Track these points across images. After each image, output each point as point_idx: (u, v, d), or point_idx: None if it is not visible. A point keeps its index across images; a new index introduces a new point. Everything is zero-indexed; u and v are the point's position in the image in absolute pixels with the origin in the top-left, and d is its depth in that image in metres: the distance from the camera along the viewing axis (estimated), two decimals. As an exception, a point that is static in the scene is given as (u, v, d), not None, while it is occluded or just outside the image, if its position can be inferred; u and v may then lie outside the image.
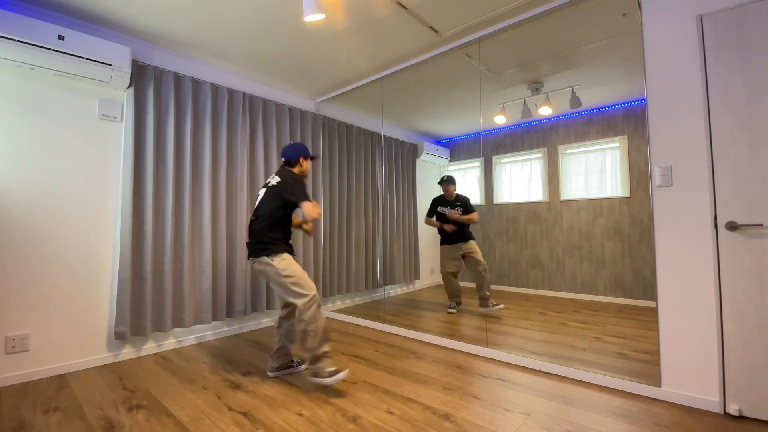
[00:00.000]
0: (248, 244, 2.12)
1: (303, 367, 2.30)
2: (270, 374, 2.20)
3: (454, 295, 3.13)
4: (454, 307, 3.13)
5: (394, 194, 3.54)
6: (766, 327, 1.60)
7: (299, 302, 1.98)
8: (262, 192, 2.17)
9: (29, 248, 2.20)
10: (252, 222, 2.13)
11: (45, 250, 2.26)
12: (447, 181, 3.11)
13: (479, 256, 2.95)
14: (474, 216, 2.95)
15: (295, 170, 2.23)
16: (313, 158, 2.31)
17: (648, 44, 1.95)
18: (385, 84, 3.36)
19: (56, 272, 2.29)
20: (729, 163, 1.70)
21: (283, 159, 2.26)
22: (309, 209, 1.95)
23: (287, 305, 2.21)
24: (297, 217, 2.39)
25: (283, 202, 2.09)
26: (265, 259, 2.03)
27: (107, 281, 2.48)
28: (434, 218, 3.17)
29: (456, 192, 3.07)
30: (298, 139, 3.58)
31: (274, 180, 2.14)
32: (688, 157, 1.82)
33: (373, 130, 3.74)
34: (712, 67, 1.75)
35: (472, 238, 2.98)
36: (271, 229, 2.08)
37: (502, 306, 2.83)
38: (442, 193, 3.13)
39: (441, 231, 3.12)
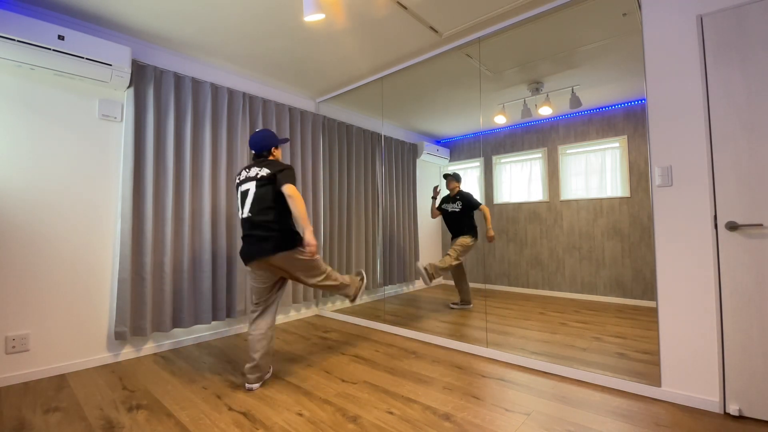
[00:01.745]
0: (258, 242, 1.98)
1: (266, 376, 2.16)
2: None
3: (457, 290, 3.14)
4: (456, 304, 3.13)
5: (394, 194, 3.54)
6: (766, 327, 1.60)
7: (324, 273, 2.22)
8: (251, 186, 2.02)
9: (29, 248, 2.20)
10: (251, 221, 2.00)
11: (45, 250, 2.26)
12: (448, 177, 3.14)
13: (455, 249, 3.02)
14: (486, 214, 2.96)
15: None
16: (284, 141, 2.24)
17: (648, 44, 1.95)
18: (385, 84, 3.35)
19: (56, 272, 2.29)
20: (729, 162, 1.70)
21: (253, 152, 2.15)
22: (290, 188, 1.95)
23: (263, 305, 2.13)
24: None
25: (279, 191, 2.02)
26: (299, 249, 2.05)
27: (107, 281, 2.48)
28: (437, 209, 3.24)
29: (460, 189, 3.08)
30: (298, 139, 3.57)
31: (263, 171, 2.02)
32: (688, 157, 1.82)
33: (373, 130, 3.74)
34: (712, 67, 1.75)
35: (467, 234, 3.00)
36: (287, 221, 2.04)
37: (455, 307, 3.04)
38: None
39: (449, 229, 3.19)
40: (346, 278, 2.38)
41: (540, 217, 2.62)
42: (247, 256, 2.03)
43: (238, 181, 2.14)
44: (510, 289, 2.76)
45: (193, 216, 2.82)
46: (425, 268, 3.09)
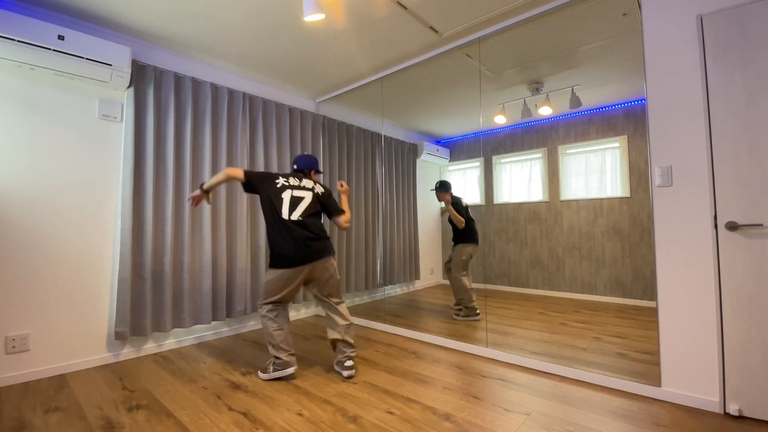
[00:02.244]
0: (314, 243, 2.13)
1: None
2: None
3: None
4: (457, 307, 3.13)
5: (394, 194, 3.54)
6: (766, 327, 1.60)
7: (343, 301, 2.29)
8: (307, 195, 2.22)
9: (29, 248, 2.20)
10: (302, 223, 2.13)
11: (45, 250, 2.26)
12: (435, 191, 3.15)
13: (454, 264, 3.00)
14: (454, 214, 2.98)
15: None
16: (318, 173, 2.46)
17: (648, 44, 1.95)
18: (385, 84, 3.35)
19: (56, 272, 2.29)
20: (729, 163, 1.70)
21: (296, 167, 2.37)
22: (346, 221, 2.31)
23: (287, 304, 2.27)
24: None
25: (322, 209, 2.30)
26: (335, 258, 2.25)
27: (107, 281, 2.48)
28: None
29: (451, 197, 3.07)
30: (298, 139, 3.58)
31: (318, 188, 2.29)
32: (688, 157, 1.82)
33: (373, 130, 3.74)
34: (712, 67, 1.75)
35: (461, 242, 3.00)
36: (325, 232, 2.25)
37: (462, 318, 2.95)
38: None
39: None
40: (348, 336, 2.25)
41: (540, 217, 2.62)
42: (305, 258, 2.10)
43: (286, 183, 2.23)
44: (510, 289, 2.76)
45: (193, 216, 2.82)
46: (461, 312, 3.02)
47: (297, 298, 3.54)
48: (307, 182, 2.28)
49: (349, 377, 2.17)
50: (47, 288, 2.26)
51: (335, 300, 2.26)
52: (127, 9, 2.30)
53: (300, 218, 2.14)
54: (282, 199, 2.17)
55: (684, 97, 1.83)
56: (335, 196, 3.57)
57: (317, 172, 2.43)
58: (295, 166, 2.38)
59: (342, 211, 2.32)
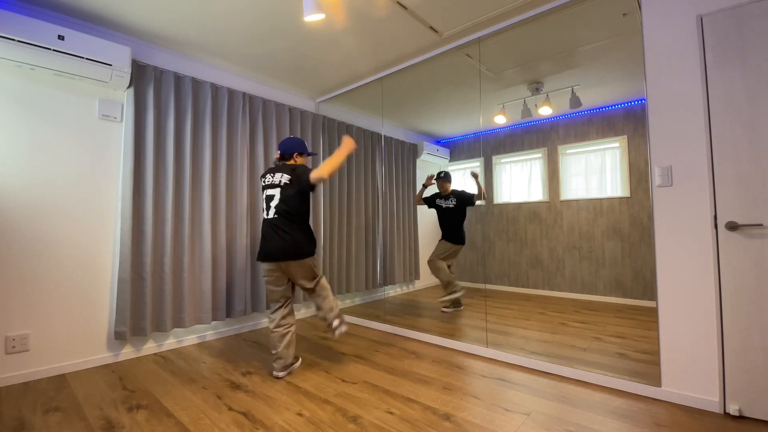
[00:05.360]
0: (276, 243, 2.11)
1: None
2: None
3: (449, 285, 3.16)
4: (449, 306, 3.17)
5: (394, 194, 3.54)
6: (766, 327, 1.60)
7: (317, 282, 2.26)
8: (276, 192, 2.16)
9: (29, 248, 2.20)
10: (273, 222, 2.13)
11: (45, 250, 2.26)
12: (443, 178, 3.15)
13: (448, 260, 3.07)
14: (481, 194, 3.01)
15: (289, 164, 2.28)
16: (309, 155, 2.37)
17: (648, 44, 1.95)
18: (385, 84, 3.35)
19: (56, 272, 2.29)
20: (729, 163, 1.70)
21: (279, 152, 2.32)
22: (316, 173, 2.05)
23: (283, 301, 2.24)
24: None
25: (300, 192, 2.16)
26: (309, 260, 2.18)
27: (107, 281, 2.48)
28: (430, 205, 3.23)
29: (451, 188, 3.11)
30: (298, 139, 3.58)
31: (284, 179, 2.16)
32: (688, 157, 1.82)
33: (373, 130, 3.74)
34: (712, 67, 1.75)
35: (461, 242, 3.04)
36: (307, 229, 2.20)
37: (451, 311, 3.04)
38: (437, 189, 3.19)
39: (441, 227, 3.17)
40: (335, 304, 2.30)
41: (540, 217, 2.62)
42: (268, 256, 2.13)
43: (263, 183, 2.26)
44: (510, 289, 2.76)
45: (193, 216, 2.82)
46: (448, 305, 3.09)
47: (296, 298, 3.54)
48: (278, 177, 2.18)
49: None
50: (47, 288, 2.26)
51: (313, 294, 2.27)
52: (127, 9, 2.30)
53: (272, 216, 2.16)
54: (264, 197, 2.23)
55: (684, 97, 1.83)
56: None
57: (301, 154, 2.30)
58: (278, 152, 2.30)
59: (308, 176, 2.12)
